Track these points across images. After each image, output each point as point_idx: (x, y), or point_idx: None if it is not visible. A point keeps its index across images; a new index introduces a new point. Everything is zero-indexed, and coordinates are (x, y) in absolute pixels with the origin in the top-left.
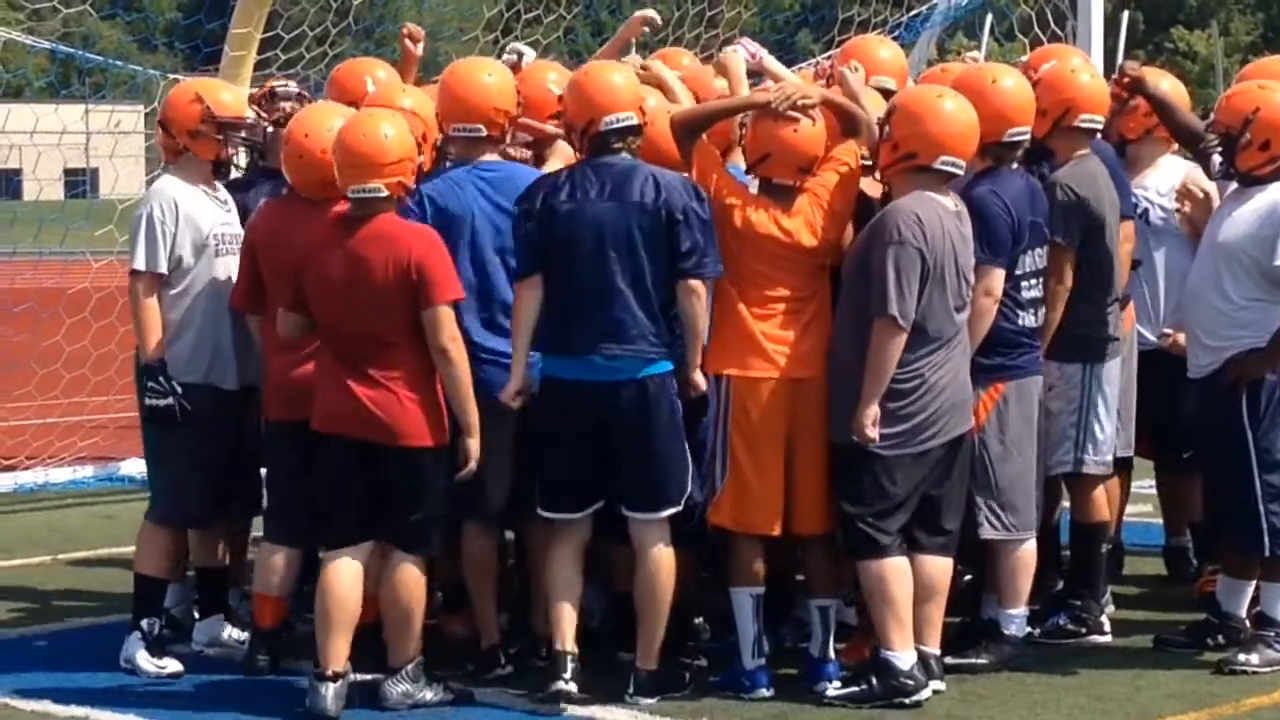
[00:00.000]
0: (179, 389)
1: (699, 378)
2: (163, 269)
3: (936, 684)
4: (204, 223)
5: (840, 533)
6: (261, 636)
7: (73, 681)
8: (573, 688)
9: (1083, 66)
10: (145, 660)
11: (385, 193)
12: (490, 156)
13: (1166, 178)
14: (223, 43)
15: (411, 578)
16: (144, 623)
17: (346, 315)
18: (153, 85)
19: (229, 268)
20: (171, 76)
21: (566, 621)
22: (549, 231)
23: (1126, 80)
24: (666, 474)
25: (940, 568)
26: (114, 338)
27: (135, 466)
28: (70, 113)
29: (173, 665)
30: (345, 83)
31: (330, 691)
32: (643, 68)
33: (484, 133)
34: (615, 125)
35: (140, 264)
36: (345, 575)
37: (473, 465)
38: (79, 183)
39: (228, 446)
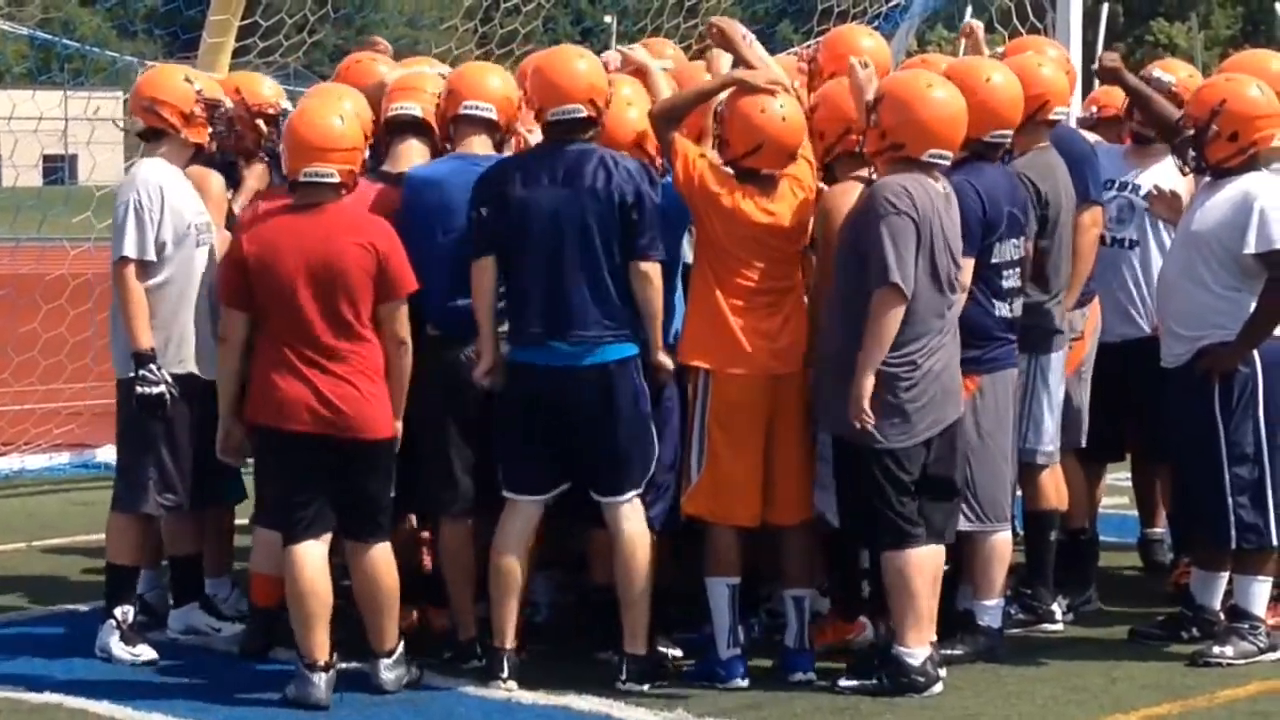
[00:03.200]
0: (169, 377)
1: (663, 358)
2: (151, 255)
3: (942, 673)
4: (186, 210)
5: (857, 525)
6: (260, 616)
7: (47, 668)
8: (513, 685)
9: (1049, 60)
10: (119, 648)
11: (336, 179)
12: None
13: (1169, 170)
14: (201, 30)
15: (383, 562)
16: (118, 611)
17: (308, 305)
18: (131, 72)
19: (208, 257)
20: (150, 63)
21: (508, 618)
22: (503, 219)
23: (1104, 70)
24: (629, 457)
25: (937, 555)
26: (90, 325)
27: (111, 454)
28: (48, 99)
29: (147, 652)
30: (354, 78)
31: (323, 681)
32: (627, 50)
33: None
34: (563, 116)
35: (130, 250)
36: (313, 566)
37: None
38: (56, 169)
39: (205, 436)
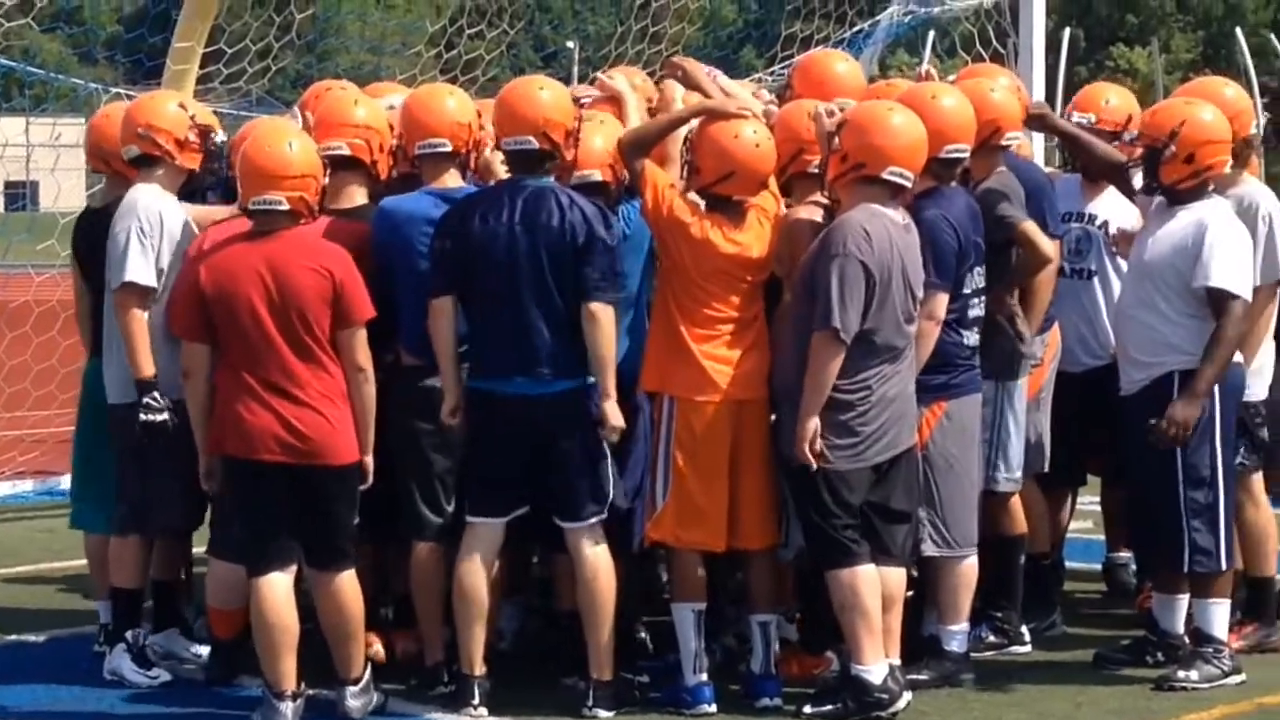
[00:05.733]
0: (171, 403)
1: (610, 410)
2: (154, 282)
3: (907, 695)
4: (182, 237)
5: (806, 546)
6: (221, 648)
7: (12, 696)
8: (483, 713)
9: (1000, 86)
10: (133, 672)
11: (286, 206)
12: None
13: (1122, 197)
14: (165, 57)
15: (349, 590)
16: (128, 634)
17: (269, 331)
18: (94, 98)
19: None
20: (113, 90)
21: (475, 644)
22: (464, 254)
23: (1031, 118)
24: (589, 481)
25: (896, 578)
26: (55, 353)
27: None
28: (11, 126)
29: (163, 675)
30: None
31: (289, 710)
32: (604, 78)
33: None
34: (514, 147)
35: (135, 276)
36: (280, 595)
37: (369, 481)
38: (18, 196)
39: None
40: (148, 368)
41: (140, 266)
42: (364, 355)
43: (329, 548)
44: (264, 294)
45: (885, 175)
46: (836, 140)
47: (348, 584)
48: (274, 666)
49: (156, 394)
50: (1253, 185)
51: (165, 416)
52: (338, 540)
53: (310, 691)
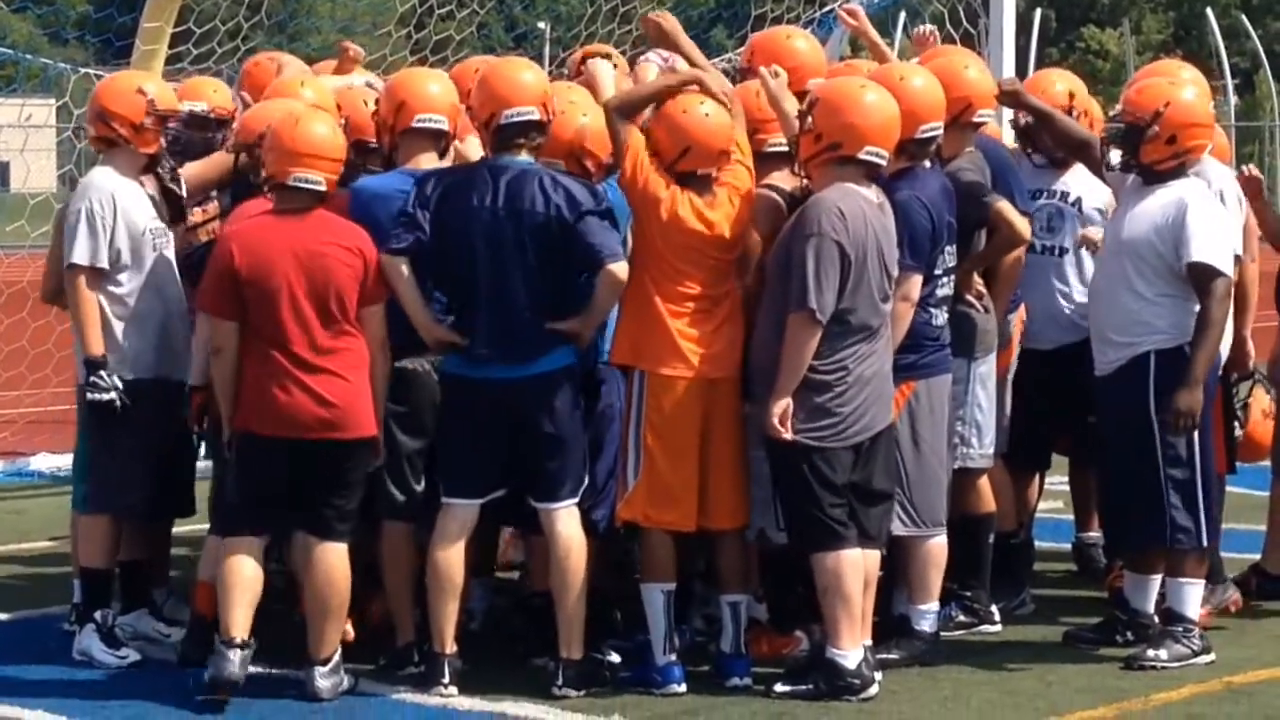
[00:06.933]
0: (120, 384)
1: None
2: (103, 263)
3: (878, 677)
4: (139, 217)
5: (790, 529)
6: (201, 625)
7: None
8: (453, 691)
9: (972, 63)
10: (102, 652)
11: (324, 186)
12: None
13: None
14: (134, 37)
15: (340, 564)
16: (97, 614)
17: (304, 308)
18: (64, 79)
19: (167, 261)
20: (83, 70)
21: (447, 621)
22: (439, 233)
23: (1003, 95)
24: (566, 463)
25: (872, 559)
26: (25, 333)
27: (45, 462)
28: None
29: (132, 655)
30: (260, 78)
31: (237, 657)
32: (582, 64)
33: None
34: (515, 119)
35: (80, 258)
36: (249, 554)
37: (382, 456)
38: None
39: (174, 441)
40: (96, 347)
41: (86, 248)
42: (385, 329)
43: (335, 515)
44: (300, 275)
45: (862, 155)
46: (809, 120)
47: (340, 557)
48: (229, 611)
49: (103, 374)
50: (1207, 163)
51: (112, 396)
52: (345, 510)
53: (278, 671)
